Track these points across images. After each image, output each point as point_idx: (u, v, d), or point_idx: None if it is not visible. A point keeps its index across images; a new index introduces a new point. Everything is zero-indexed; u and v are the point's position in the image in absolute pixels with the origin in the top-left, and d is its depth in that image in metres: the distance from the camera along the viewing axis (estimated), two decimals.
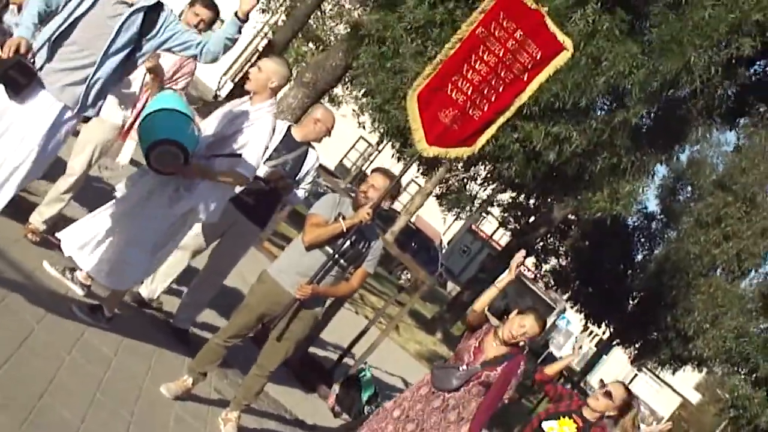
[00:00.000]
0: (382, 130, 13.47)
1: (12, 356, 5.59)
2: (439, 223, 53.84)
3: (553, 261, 30.38)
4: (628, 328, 23.22)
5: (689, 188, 23.43)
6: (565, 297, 30.72)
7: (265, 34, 33.96)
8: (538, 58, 6.92)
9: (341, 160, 52.43)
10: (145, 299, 8.08)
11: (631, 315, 23.34)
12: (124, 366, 6.75)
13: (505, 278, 6.99)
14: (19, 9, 6.95)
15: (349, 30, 18.61)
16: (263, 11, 36.58)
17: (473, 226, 56.90)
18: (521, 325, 6.78)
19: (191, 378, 6.98)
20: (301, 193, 8.45)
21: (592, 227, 18.47)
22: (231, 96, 18.72)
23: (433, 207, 46.36)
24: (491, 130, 7.21)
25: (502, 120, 7.17)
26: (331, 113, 8.32)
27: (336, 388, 10.23)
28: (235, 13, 6.13)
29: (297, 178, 8.27)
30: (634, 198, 17.76)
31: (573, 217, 19.85)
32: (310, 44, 31.87)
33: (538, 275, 32.31)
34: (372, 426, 6.96)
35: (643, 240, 22.91)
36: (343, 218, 6.79)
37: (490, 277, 27.31)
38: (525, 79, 7.04)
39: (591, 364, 38.83)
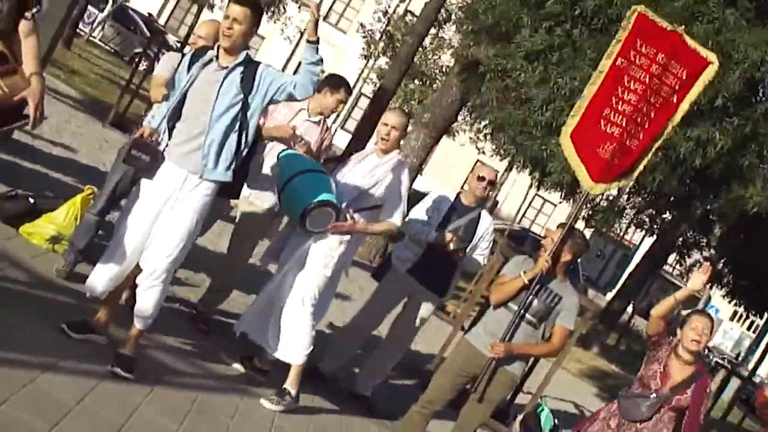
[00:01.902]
0: (518, 163, 13.36)
1: None
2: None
3: (696, 255, 29.83)
4: None
5: None
6: (713, 287, 29.91)
7: (371, 80, 34.19)
8: (684, 77, 6.84)
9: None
10: (325, 373, 8.16)
11: None
12: None
13: (686, 290, 6.78)
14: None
15: (455, 63, 18.62)
16: (365, 57, 37.03)
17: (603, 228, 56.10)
18: (697, 333, 6.62)
19: None
20: (479, 258, 8.35)
21: (740, 218, 17.93)
22: (349, 147, 18.88)
23: (561, 213, 46.16)
24: (648, 156, 7.13)
25: (657, 144, 7.09)
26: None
27: (516, 428, 10.15)
28: (307, 39, 6.21)
29: (472, 243, 8.20)
30: None
31: (713, 216, 19.37)
32: (416, 81, 32.01)
33: (683, 270, 31.56)
34: None
35: None
36: (524, 273, 6.75)
37: (636, 285, 27.03)
38: (675, 100, 7.01)
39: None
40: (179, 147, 6.01)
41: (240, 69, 6.06)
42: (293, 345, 6.96)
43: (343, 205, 6.87)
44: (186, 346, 7.13)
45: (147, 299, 6.05)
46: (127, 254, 6.03)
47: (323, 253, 6.89)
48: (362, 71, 41.84)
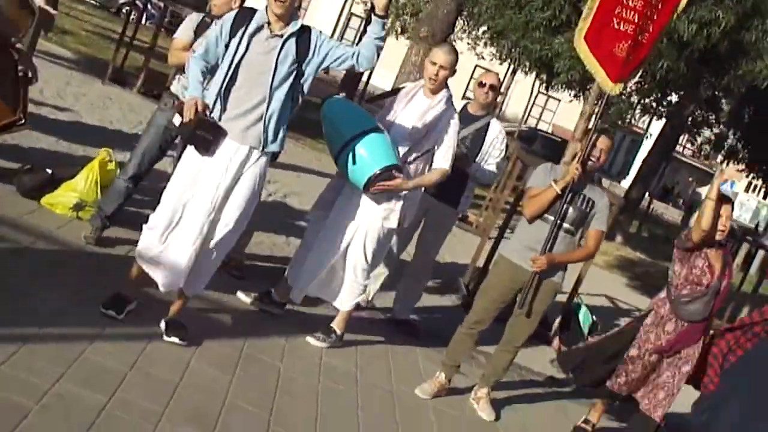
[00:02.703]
0: (524, 66, 13.27)
1: (273, 402, 5.77)
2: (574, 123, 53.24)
3: (706, 132, 29.78)
4: None
5: None
6: (722, 159, 29.82)
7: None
8: None
9: (464, 93, 52.11)
10: (361, 303, 8.15)
11: None
12: (368, 376, 6.88)
13: (714, 188, 6.62)
14: (183, 73, 7.07)
15: None
16: None
17: None
18: (723, 222, 6.67)
19: (443, 374, 7.04)
20: (491, 167, 8.26)
21: (748, 93, 17.85)
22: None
23: (567, 109, 45.94)
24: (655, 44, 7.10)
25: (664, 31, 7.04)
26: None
27: (556, 329, 10.22)
28: (374, 12, 6.15)
29: (481, 152, 8.15)
30: None
31: (719, 93, 19.27)
32: None
33: (695, 150, 31.58)
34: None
35: None
36: (555, 182, 6.71)
37: (650, 170, 26.98)
38: None
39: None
40: (238, 121, 5.88)
41: (295, 38, 5.94)
42: (347, 293, 7.07)
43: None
44: (223, 295, 7.17)
45: (204, 270, 6.05)
46: (196, 244, 5.89)
47: (384, 206, 6.91)
48: None
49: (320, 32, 6.13)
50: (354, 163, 6.64)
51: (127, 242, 7.42)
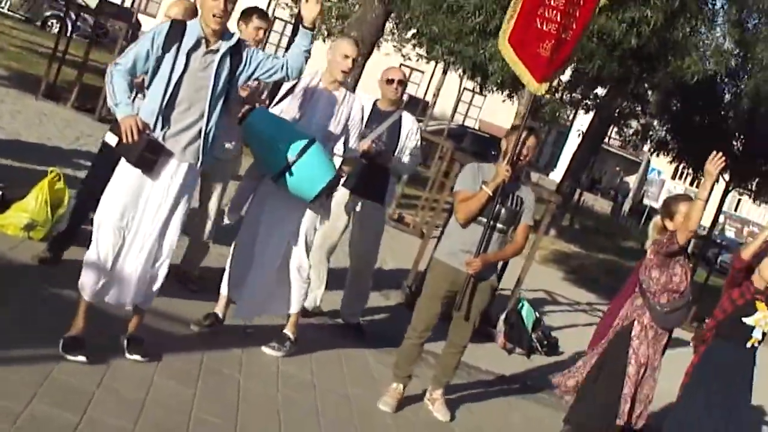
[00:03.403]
0: (460, 71, 13.47)
1: (237, 414, 5.89)
2: (503, 119, 53.64)
3: (634, 124, 30.29)
4: (740, 166, 22.83)
5: (755, 15, 22.91)
6: (649, 149, 30.33)
7: (286, 4, 33.77)
8: None
9: None
10: (309, 309, 8.28)
11: (740, 154, 22.89)
12: (324, 381, 7.03)
13: (706, 189, 6.65)
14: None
15: None
16: None
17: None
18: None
19: (400, 384, 7.17)
20: (411, 159, 8.48)
21: (674, 86, 18.34)
22: None
23: (492, 105, 46.25)
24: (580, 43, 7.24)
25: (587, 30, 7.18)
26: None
27: (501, 326, 10.44)
28: (302, 25, 6.27)
29: (399, 146, 8.32)
30: (722, 52, 17.84)
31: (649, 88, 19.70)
32: None
33: (623, 141, 32.08)
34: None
35: (726, 80, 22.53)
36: (485, 184, 6.85)
37: (580, 164, 27.39)
38: None
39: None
40: (178, 137, 5.92)
41: (229, 53, 6.00)
42: (295, 296, 7.19)
43: None
44: (179, 308, 7.26)
45: (151, 285, 6.12)
46: (142, 259, 5.98)
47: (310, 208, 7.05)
48: None
49: (248, 46, 6.22)
50: (299, 180, 6.71)
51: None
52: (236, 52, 6.06)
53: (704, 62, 14.82)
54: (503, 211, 6.89)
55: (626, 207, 55.71)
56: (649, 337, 6.97)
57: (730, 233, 61.99)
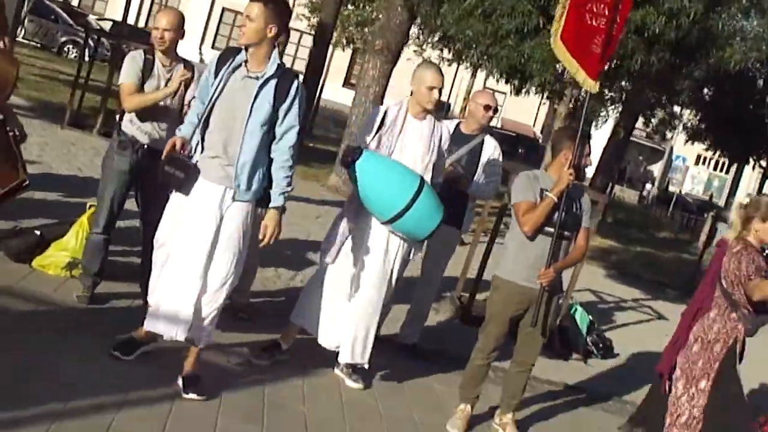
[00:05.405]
0: (497, 75, 13.20)
1: None
2: (525, 116, 53.40)
3: (660, 113, 30.07)
4: None
5: None
6: (686, 138, 30.02)
7: (303, 15, 33.53)
8: None
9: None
10: None
11: None
12: (389, 408, 6.82)
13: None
14: (139, 119, 6.88)
15: None
16: None
17: None
18: None
19: (468, 405, 6.93)
20: (490, 185, 8.22)
21: (707, 76, 18.08)
22: (306, 83, 18.68)
23: (513, 103, 46.11)
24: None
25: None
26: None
27: (555, 332, 10.17)
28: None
29: (477, 170, 8.07)
30: (765, 39, 17.51)
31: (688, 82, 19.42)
32: (349, 5, 31.27)
33: (650, 131, 31.89)
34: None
35: (758, 66, 22.16)
36: (545, 191, 6.58)
37: (611, 158, 27.16)
38: None
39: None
40: (213, 162, 5.73)
41: (274, 82, 5.73)
42: (363, 347, 6.88)
43: None
44: (234, 341, 7.03)
45: (208, 319, 5.88)
46: (192, 291, 5.78)
47: (402, 253, 6.87)
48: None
49: (302, 86, 5.91)
50: (412, 222, 6.55)
51: (120, 296, 7.30)
52: (281, 82, 5.75)
53: (746, 52, 14.56)
54: (567, 217, 6.61)
55: (652, 195, 55.39)
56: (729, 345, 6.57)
57: None
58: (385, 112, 6.92)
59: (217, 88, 5.73)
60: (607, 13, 6.70)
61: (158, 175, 5.78)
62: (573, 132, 6.79)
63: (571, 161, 6.59)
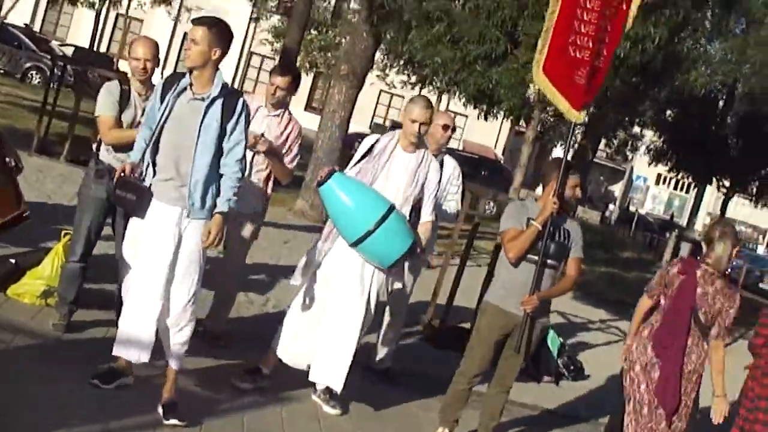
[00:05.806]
0: (464, 99, 13.33)
1: None
2: (487, 138, 53.59)
3: (621, 135, 30.39)
4: (738, 172, 22.79)
5: (742, 18, 22.91)
6: (649, 160, 30.34)
7: (266, 41, 33.62)
8: None
9: (372, 120, 52.14)
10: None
11: (737, 159, 22.80)
12: None
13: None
14: (115, 148, 6.94)
15: (361, 9, 18.38)
16: (255, 19, 36.49)
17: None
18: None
19: (447, 429, 6.97)
20: (451, 205, 8.25)
21: (671, 99, 18.36)
22: None
23: (475, 125, 46.40)
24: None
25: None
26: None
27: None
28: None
29: (439, 191, 7.98)
30: (729, 62, 17.83)
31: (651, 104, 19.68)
32: (312, 30, 31.42)
33: (612, 153, 32.24)
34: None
35: (719, 86, 22.50)
36: (530, 220, 6.63)
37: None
38: (624, 7, 6.95)
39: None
40: (166, 185, 5.82)
41: (220, 101, 5.82)
42: (338, 371, 6.76)
43: None
44: (212, 367, 7.06)
45: (178, 340, 5.94)
46: (153, 313, 5.83)
47: (378, 279, 6.84)
48: (248, 32, 41.32)
49: (246, 103, 6.01)
50: (377, 247, 6.52)
51: (96, 323, 7.32)
52: (227, 101, 5.85)
53: (711, 75, 14.84)
54: (552, 245, 6.67)
55: (614, 216, 55.76)
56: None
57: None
58: (376, 141, 6.99)
59: (163, 113, 5.83)
60: (591, 45, 6.80)
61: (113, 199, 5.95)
62: (557, 161, 6.91)
63: (554, 190, 6.65)
